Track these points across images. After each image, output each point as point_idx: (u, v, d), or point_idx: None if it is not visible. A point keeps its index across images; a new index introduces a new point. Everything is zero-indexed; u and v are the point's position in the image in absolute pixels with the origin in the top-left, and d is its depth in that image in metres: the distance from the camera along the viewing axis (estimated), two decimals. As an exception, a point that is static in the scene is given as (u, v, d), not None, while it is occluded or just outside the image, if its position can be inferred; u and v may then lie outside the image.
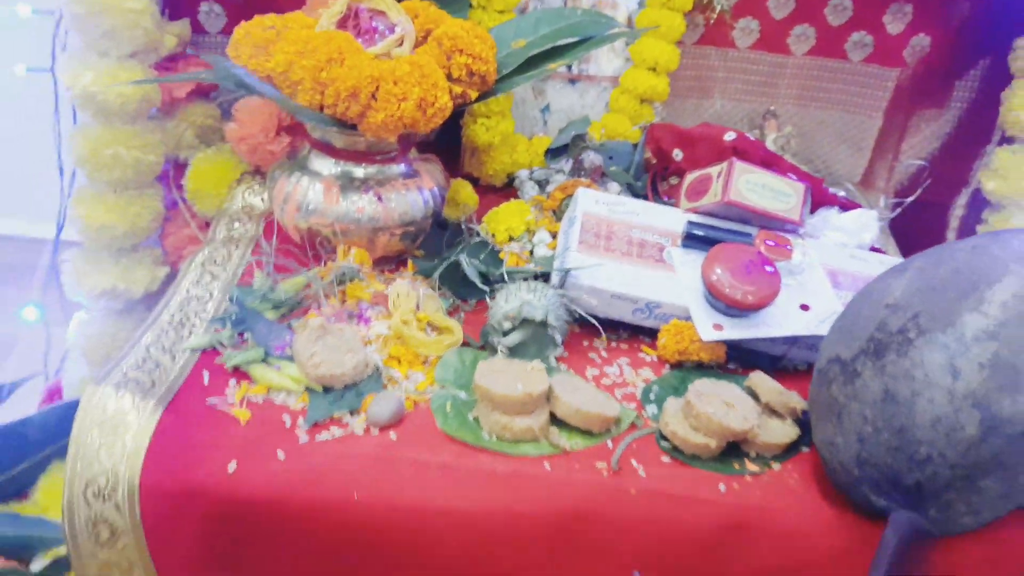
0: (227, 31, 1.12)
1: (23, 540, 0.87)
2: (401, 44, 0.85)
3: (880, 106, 1.22)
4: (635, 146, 1.06)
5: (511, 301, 0.80)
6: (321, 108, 0.80)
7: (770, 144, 1.18)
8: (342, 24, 0.86)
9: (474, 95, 0.87)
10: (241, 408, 0.72)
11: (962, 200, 1.19)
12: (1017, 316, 0.63)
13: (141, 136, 1.00)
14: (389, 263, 0.93)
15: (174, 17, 1.07)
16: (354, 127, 0.83)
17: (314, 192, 0.88)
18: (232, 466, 0.67)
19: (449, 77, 0.84)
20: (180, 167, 1.09)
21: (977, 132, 1.19)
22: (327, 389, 0.74)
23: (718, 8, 1.12)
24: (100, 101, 0.96)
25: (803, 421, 0.76)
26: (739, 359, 0.85)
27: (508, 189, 1.13)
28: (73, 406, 0.98)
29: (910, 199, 1.07)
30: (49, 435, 0.99)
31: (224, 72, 0.79)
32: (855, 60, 1.20)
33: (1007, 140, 1.12)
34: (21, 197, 1.29)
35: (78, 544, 0.68)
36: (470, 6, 1.06)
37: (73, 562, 0.70)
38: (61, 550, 0.85)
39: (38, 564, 0.86)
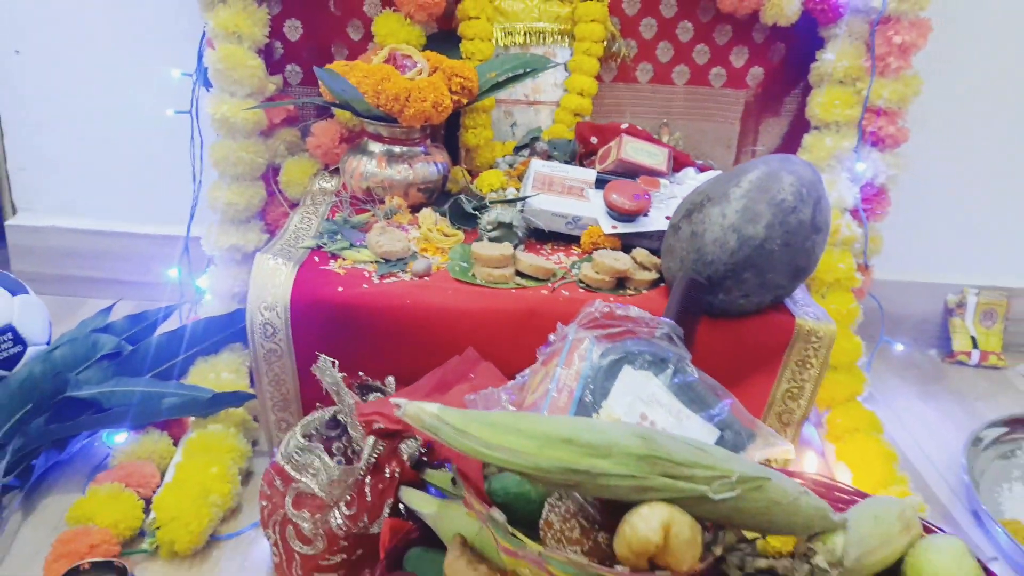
0: (302, 83, 1.68)
1: (187, 396, 1.38)
2: (421, 73, 1.44)
3: (737, 117, 1.73)
4: (570, 141, 1.63)
5: (491, 214, 1.36)
6: (377, 107, 1.38)
7: (665, 144, 1.74)
8: (386, 62, 1.45)
9: (464, 101, 1.45)
10: (340, 270, 1.27)
11: (793, 174, 1.71)
12: (756, 188, 1.17)
13: (254, 147, 1.55)
14: (416, 211, 1.49)
15: (272, 73, 1.60)
16: (395, 121, 1.40)
17: (371, 164, 1.45)
18: (339, 288, 1.21)
19: (450, 90, 1.42)
20: (276, 169, 1.63)
21: (802, 128, 1.64)
22: (387, 260, 1.29)
23: (621, 55, 1.70)
24: (231, 123, 1.51)
25: (662, 271, 1.31)
26: (631, 249, 1.39)
27: (490, 175, 1.69)
28: (211, 321, 1.52)
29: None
30: (197, 339, 1.47)
31: (332, 82, 1.36)
32: (716, 86, 1.72)
33: (815, 128, 1.64)
34: (159, 207, 1.85)
35: (254, 338, 1.21)
36: (461, 57, 1.65)
37: (251, 350, 1.22)
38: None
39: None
